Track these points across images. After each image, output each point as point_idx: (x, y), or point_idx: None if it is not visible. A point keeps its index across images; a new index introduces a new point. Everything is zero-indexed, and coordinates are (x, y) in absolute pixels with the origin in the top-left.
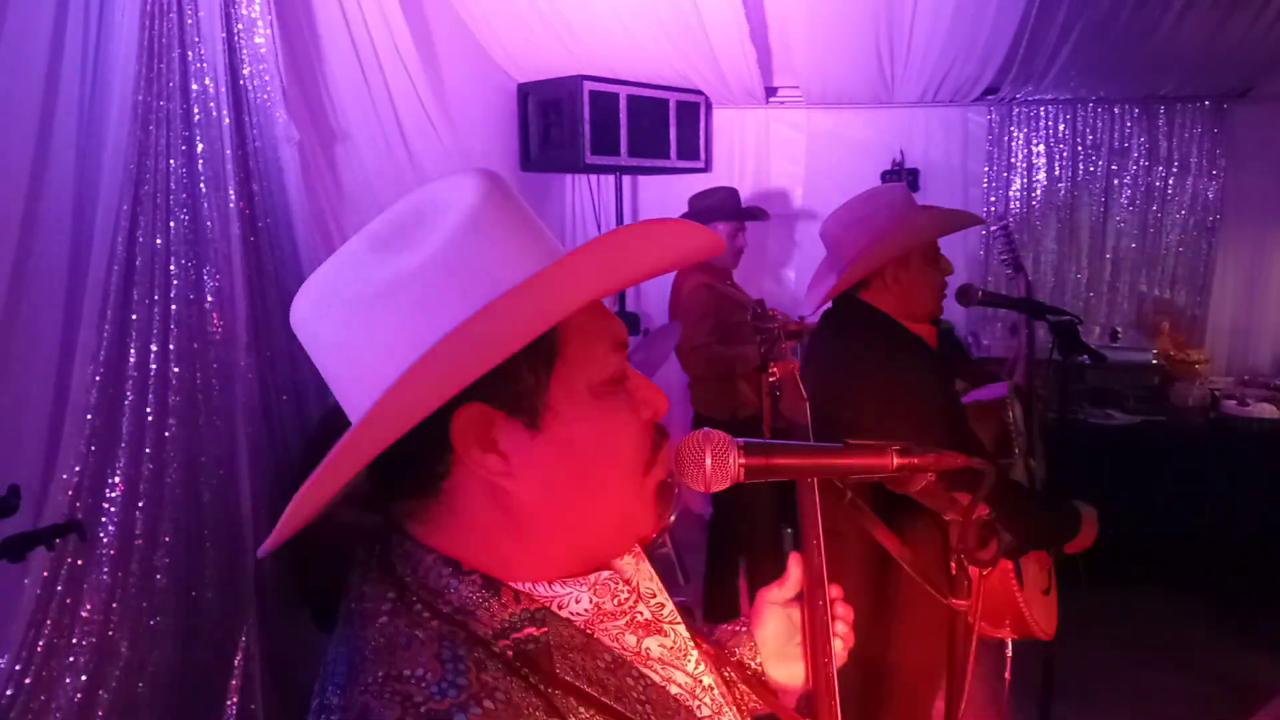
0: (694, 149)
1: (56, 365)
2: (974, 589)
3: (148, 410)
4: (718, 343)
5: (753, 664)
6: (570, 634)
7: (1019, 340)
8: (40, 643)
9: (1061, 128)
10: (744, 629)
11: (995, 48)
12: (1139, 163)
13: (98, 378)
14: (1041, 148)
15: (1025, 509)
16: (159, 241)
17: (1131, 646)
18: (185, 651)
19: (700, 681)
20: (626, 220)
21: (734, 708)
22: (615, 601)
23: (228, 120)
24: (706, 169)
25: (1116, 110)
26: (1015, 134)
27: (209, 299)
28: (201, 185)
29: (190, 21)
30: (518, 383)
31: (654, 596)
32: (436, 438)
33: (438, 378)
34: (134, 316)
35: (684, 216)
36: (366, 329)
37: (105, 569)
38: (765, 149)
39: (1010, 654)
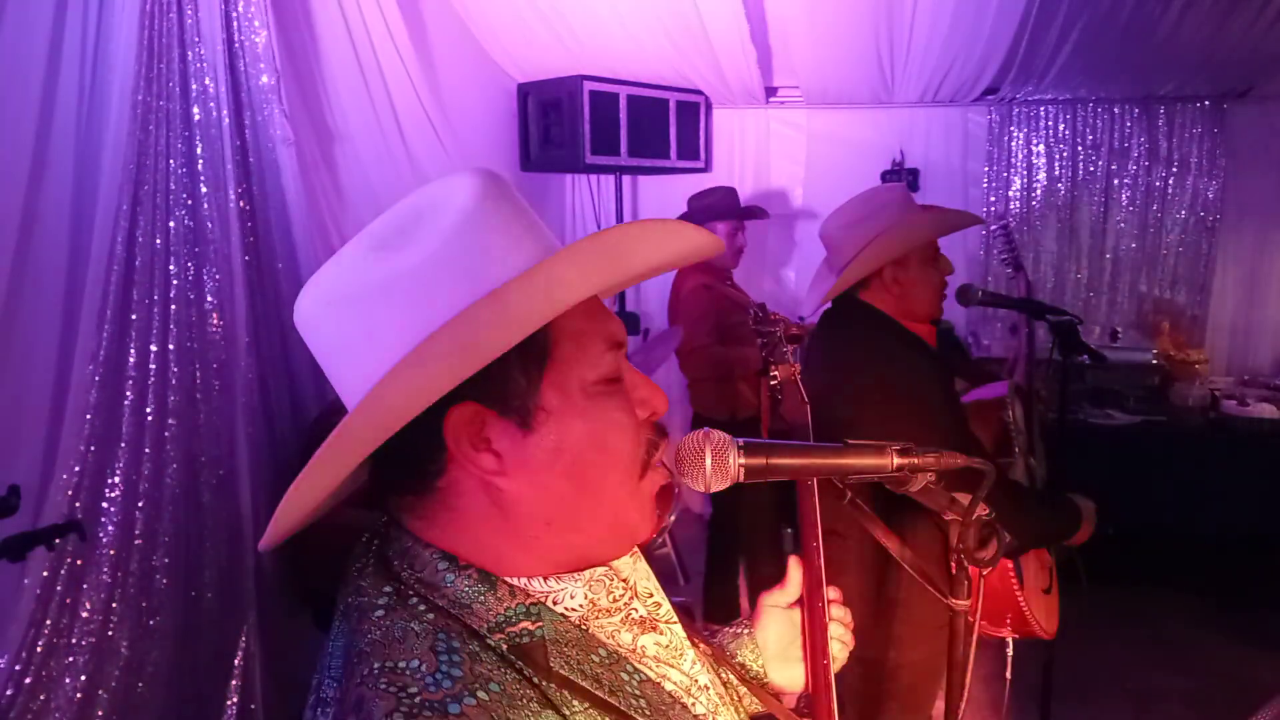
0: (694, 149)
1: (56, 365)
2: (974, 589)
3: (147, 410)
4: (716, 343)
5: (755, 665)
6: (565, 629)
7: (1019, 340)
8: (40, 643)
9: (1061, 128)
10: (745, 631)
11: (995, 48)
12: (1139, 163)
13: (97, 377)
14: (1041, 148)
15: (1025, 508)
16: (159, 241)
17: (1131, 646)
18: (185, 651)
19: (696, 681)
20: (626, 220)
21: (731, 708)
22: (610, 598)
23: (228, 120)
24: (706, 169)
25: (1116, 110)
26: (1015, 134)
27: (209, 299)
28: (201, 185)
29: (190, 21)
30: (509, 383)
31: (650, 596)
32: (431, 436)
33: (426, 375)
34: (133, 316)
35: (683, 216)
36: (364, 327)
37: (105, 569)
38: (765, 149)
39: (1010, 654)
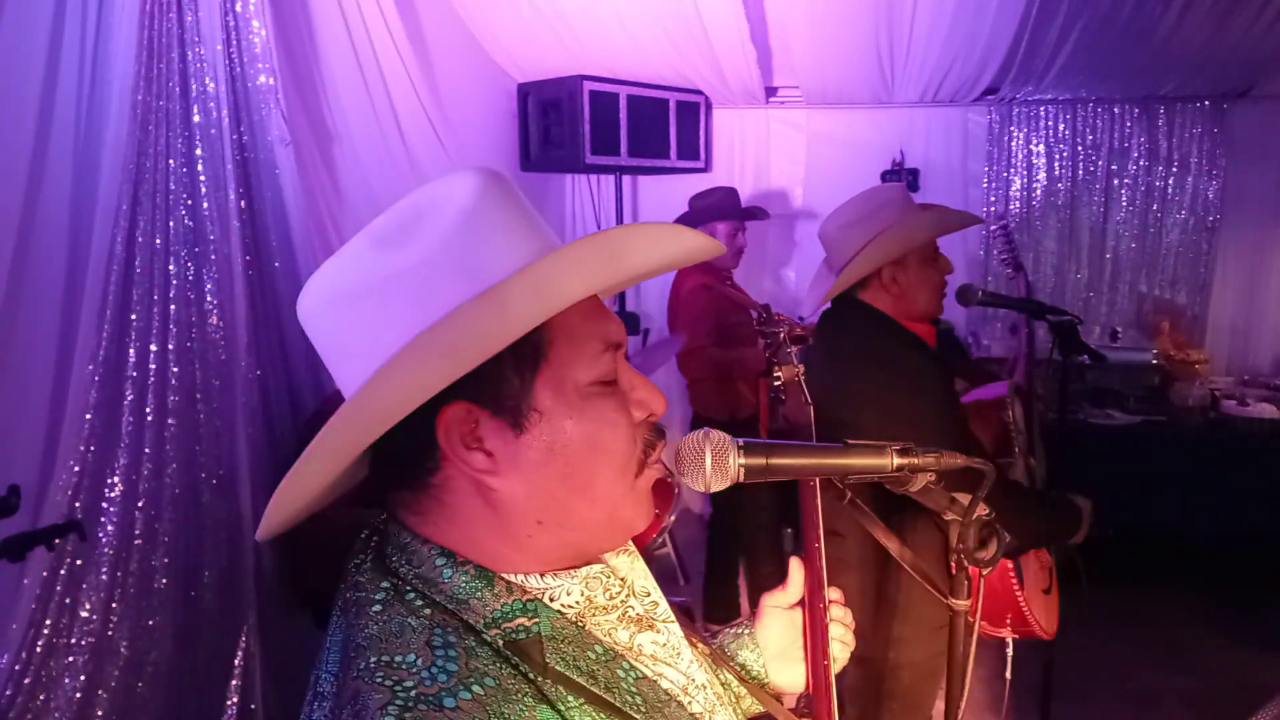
0: (694, 149)
1: (55, 365)
2: (974, 589)
3: (147, 410)
4: (715, 344)
5: (756, 665)
6: (562, 625)
7: (1019, 340)
8: (40, 642)
9: (1061, 128)
10: (746, 631)
11: (995, 48)
12: (1139, 163)
13: (97, 377)
14: (1041, 148)
15: (1025, 508)
16: (158, 241)
17: (1131, 646)
18: (185, 651)
19: (693, 680)
20: (626, 220)
21: (729, 708)
22: (607, 595)
23: (227, 120)
24: (706, 169)
25: (1116, 110)
26: (1015, 134)
27: (208, 299)
28: (201, 185)
29: (190, 21)
30: (502, 383)
31: (648, 595)
32: (424, 433)
33: (416, 375)
34: (133, 316)
35: (684, 216)
36: (364, 324)
37: (105, 569)
38: (765, 149)
39: (1010, 654)
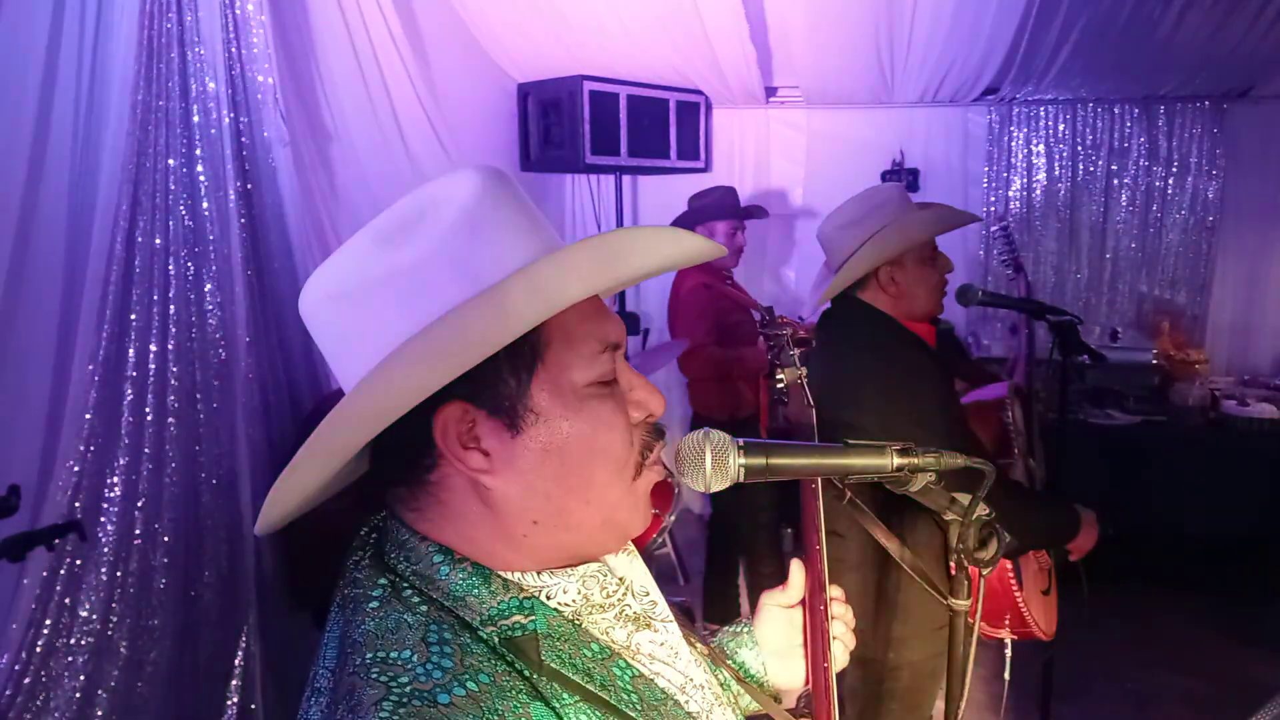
0: (694, 149)
1: (55, 365)
2: (974, 589)
3: (147, 410)
4: (715, 343)
5: (756, 663)
6: (558, 623)
7: (1019, 340)
8: (40, 643)
9: (1061, 128)
10: (746, 629)
11: (995, 48)
12: (1139, 163)
13: (97, 377)
14: (1041, 148)
15: (1025, 508)
16: (158, 241)
17: (1131, 646)
18: (185, 651)
19: (691, 679)
20: (626, 220)
21: (727, 708)
22: (604, 593)
23: (228, 120)
24: (706, 169)
25: (1116, 110)
26: (1015, 134)
27: (208, 299)
28: (201, 185)
29: (190, 21)
30: (499, 384)
31: (647, 594)
32: (422, 431)
33: (412, 375)
34: (133, 316)
35: (682, 215)
36: (364, 321)
37: (104, 569)
38: (765, 149)
39: (1010, 654)
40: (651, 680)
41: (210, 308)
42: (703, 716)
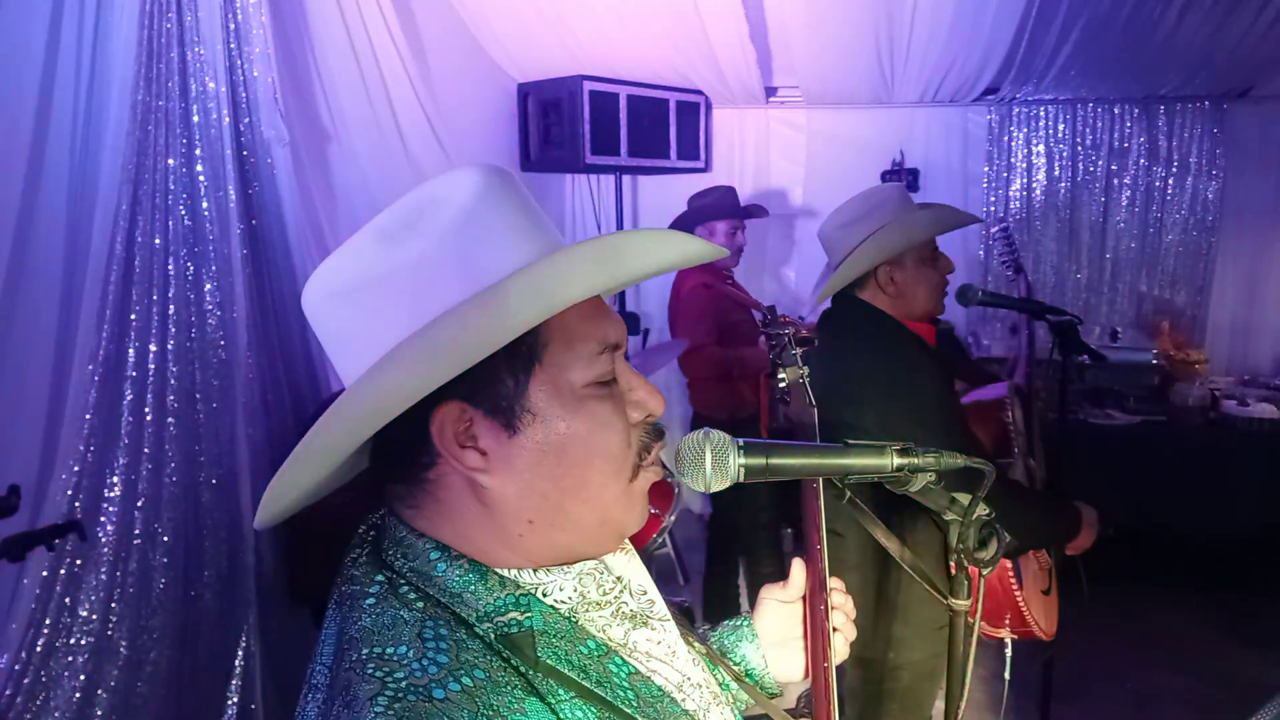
0: (694, 149)
1: (55, 365)
2: (974, 589)
3: (146, 410)
4: (716, 343)
5: (756, 657)
6: (554, 620)
7: (1019, 340)
8: (40, 643)
9: (1061, 128)
10: (746, 623)
11: (995, 48)
12: (1139, 163)
13: (96, 377)
14: (1041, 148)
15: (1024, 508)
16: (158, 241)
17: (1131, 646)
18: (185, 651)
19: (689, 678)
20: (626, 220)
21: (724, 707)
22: (601, 591)
23: (227, 120)
24: (706, 169)
25: (1116, 110)
26: (1015, 134)
27: (208, 299)
28: (201, 185)
29: (190, 21)
30: (497, 384)
31: (645, 593)
32: (420, 430)
33: (408, 376)
34: (133, 316)
35: (683, 215)
36: (364, 319)
37: (104, 569)
38: (765, 149)
39: (1010, 654)
40: (648, 678)
41: (210, 308)
42: (700, 715)
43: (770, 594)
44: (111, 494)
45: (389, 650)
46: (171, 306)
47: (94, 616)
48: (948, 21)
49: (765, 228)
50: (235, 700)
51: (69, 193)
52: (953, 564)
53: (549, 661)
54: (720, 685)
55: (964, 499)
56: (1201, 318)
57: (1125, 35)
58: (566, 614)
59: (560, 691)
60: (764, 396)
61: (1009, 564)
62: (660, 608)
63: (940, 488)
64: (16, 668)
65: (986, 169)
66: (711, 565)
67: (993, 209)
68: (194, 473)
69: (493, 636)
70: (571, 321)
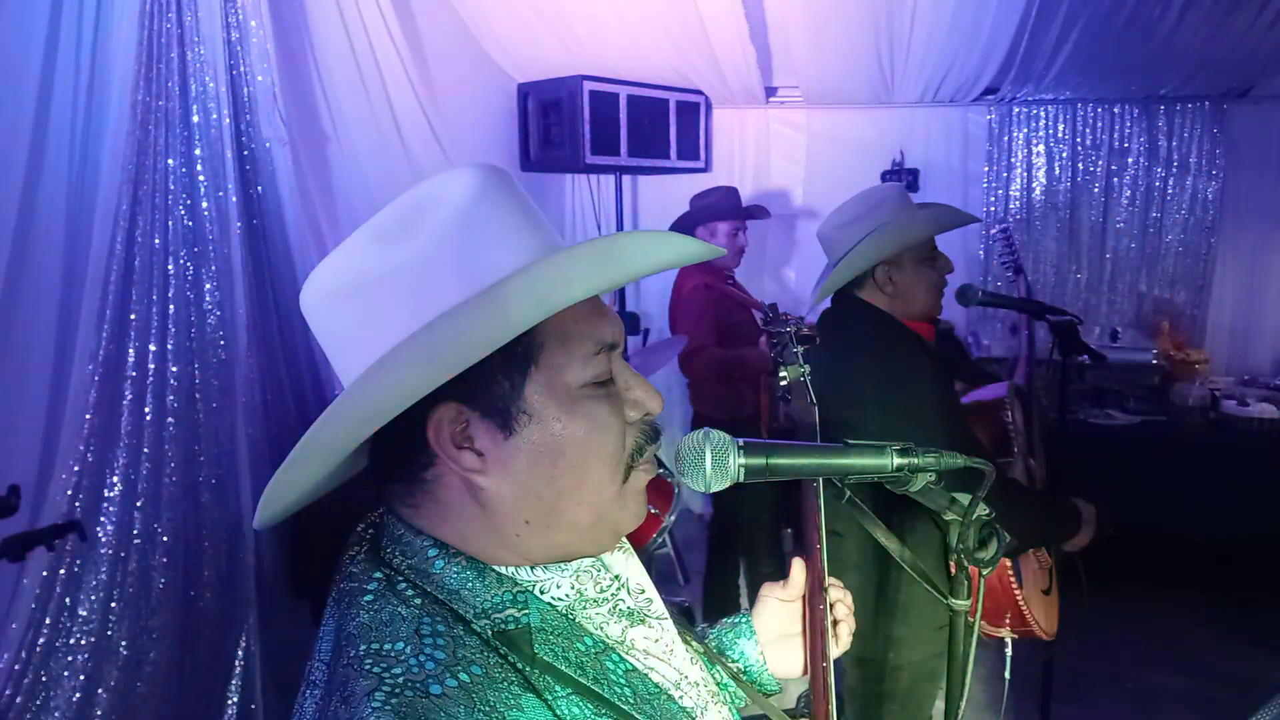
0: (694, 149)
1: (54, 365)
2: (974, 589)
3: (146, 410)
4: (717, 343)
5: (755, 654)
6: (551, 617)
7: (1019, 340)
8: (40, 642)
9: (1061, 128)
10: (745, 620)
11: (995, 48)
12: (1139, 163)
13: (96, 377)
14: (1041, 148)
15: (1024, 508)
16: (158, 241)
17: (1131, 646)
18: (184, 651)
19: (686, 676)
20: (626, 220)
21: (722, 705)
22: (598, 588)
23: (227, 120)
24: (706, 169)
25: (1116, 110)
26: (1015, 134)
27: (208, 299)
28: (200, 185)
29: (190, 21)
30: (492, 385)
31: (643, 591)
32: (417, 431)
33: (404, 378)
34: (133, 316)
35: (684, 216)
36: (361, 319)
37: (104, 569)
38: (765, 149)
39: (1010, 653)
40: (645, 675)
41: (210, 308)
42: (697, 712)
43: (770, 592)
44: (111, 494)
45: (386, 646)
46: (171, 306)
47: (94, 616)
48: (947, 21)
49: (765, 228)
50: (235, 700)
51: (69, 193)
52: (953, 564)
53: (546, 658)
54: (718, 684)
55: (964, 499)
56: (1201, 318)
57: (1125, 35)
58: (564, 611)
59: (557, 688)
60: (764, 397)
61: (1009, 563)
62: (658, 606)
63: (940, 488)
64: (16, 668)
65: (986, 169)
66: (712, 565)
67: (993, 209)
68: (194, 472)
69: (490, 633)
70: (568, 322)
